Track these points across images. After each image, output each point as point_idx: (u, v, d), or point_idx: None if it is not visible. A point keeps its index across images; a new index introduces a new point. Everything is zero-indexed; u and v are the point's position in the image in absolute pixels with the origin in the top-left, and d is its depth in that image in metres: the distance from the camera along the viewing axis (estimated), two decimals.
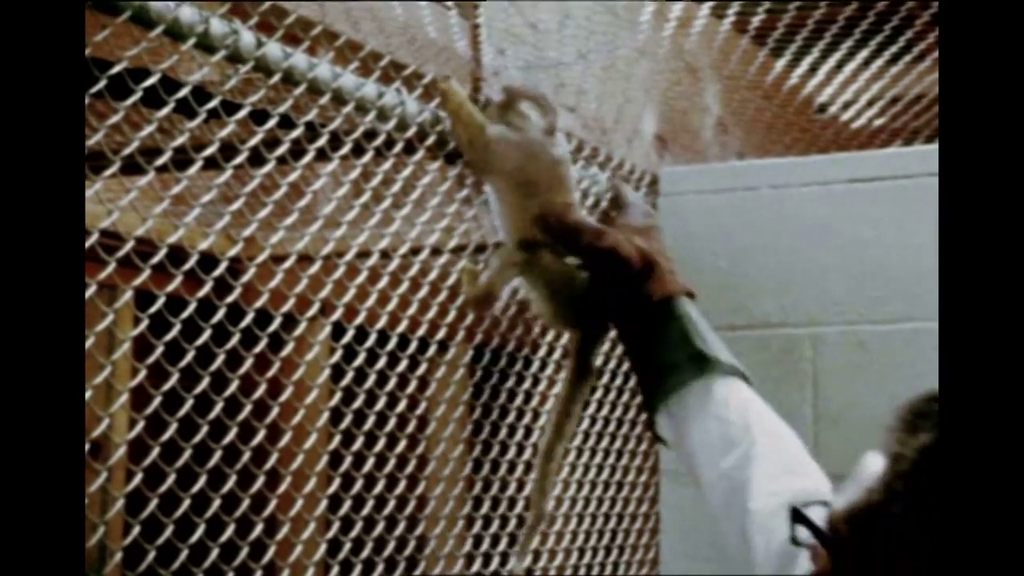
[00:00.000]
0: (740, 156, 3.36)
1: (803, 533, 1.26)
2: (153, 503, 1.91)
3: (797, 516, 1.26)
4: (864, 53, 3.91)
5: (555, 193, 1.70)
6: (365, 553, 2.36)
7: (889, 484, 1.16)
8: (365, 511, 2.36)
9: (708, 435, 1.57)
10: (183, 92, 1.94)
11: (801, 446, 1.59)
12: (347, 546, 2.31)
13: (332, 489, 2.32)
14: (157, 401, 1.94)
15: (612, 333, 1.85)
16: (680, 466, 1.72)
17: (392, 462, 2.41)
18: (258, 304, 2.16)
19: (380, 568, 2.38)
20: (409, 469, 2.47)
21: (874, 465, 1.19)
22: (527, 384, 2.87)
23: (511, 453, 2.81)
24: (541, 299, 1.74)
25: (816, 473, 1.55)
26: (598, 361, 1.95)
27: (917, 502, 1.14)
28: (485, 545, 2.69)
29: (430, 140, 2.27)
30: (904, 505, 1.14)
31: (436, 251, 2.55)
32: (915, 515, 1.14)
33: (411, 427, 2.49)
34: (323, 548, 2.34)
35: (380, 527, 2.40)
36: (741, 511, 1.51)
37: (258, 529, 2.11)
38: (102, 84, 1.84)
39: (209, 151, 2.03)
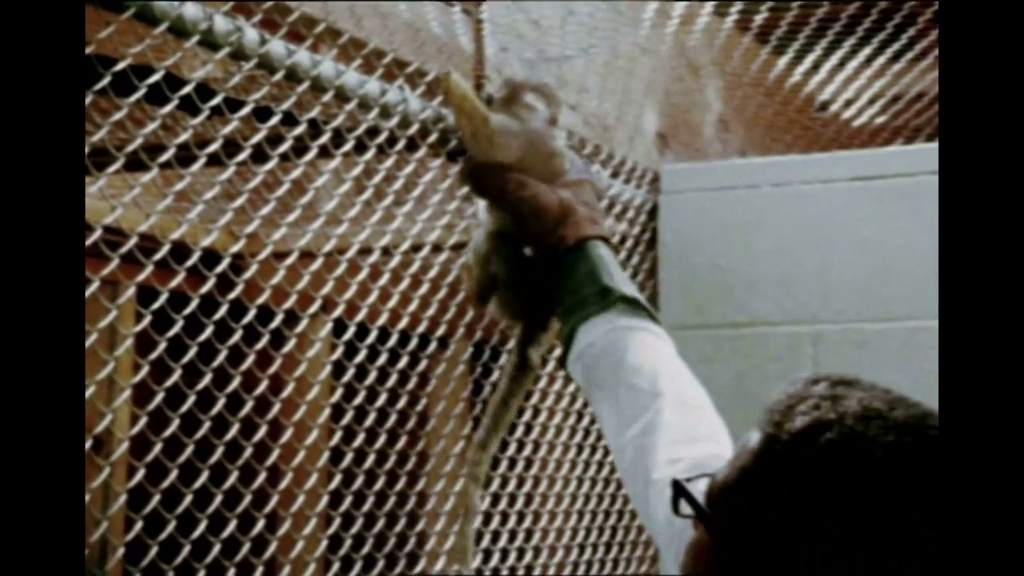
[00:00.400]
0: (742, 154, 3.38)
1: (684, 506, 1.26)
2: (155, 499, 1.92)
3: (678, 489, 1.25)
4: (866, 51, 3.92)
5: (553, 168, 1.73)
6: (366, 549, 2.37)
7: (762, 461, 1.17)
8: (366, 507, 2.37)
9: (619, 404, 1.60)
10: (186, 89, 1.95)
11: (708, 407, 1.61)
12: (348, 542, 2.31)
13: (333, 485, 2.33)
14: (159, 397, 1.95)
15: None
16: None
17: (393, 458, 2.42)
18: (260, 301, 2.16)
19: (380, 564, 2.39)
20: (409, 466, 2.48)
21: (751, 442, 1.20)
22: None
23: (511, 450, 2.82)
24: (494, 289, 1.77)
25: (720, 437, 1.57)
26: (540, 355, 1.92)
27: (786, 481, 1.14)
28: (485, 541, 2.69)
29: (432, 137, 2.28)
30: (774, 482, 1.15)
31: (437, 248, 2.57)
32: (783, 492, 1.15)
33: (411, 423, 2.50)
34: (324, 544, 2.35)
35: (381, 523, 2.41)
36: (644, 480, 1.53)
37: (259, 525, 2.12)
38: (106, 81, 1.84)
39: (212, 148, 2.03)
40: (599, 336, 1.64)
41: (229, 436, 2.07)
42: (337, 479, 2.35)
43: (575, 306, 1.67)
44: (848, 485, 1.13)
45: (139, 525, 1.90)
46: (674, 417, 1.56)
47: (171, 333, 1.98)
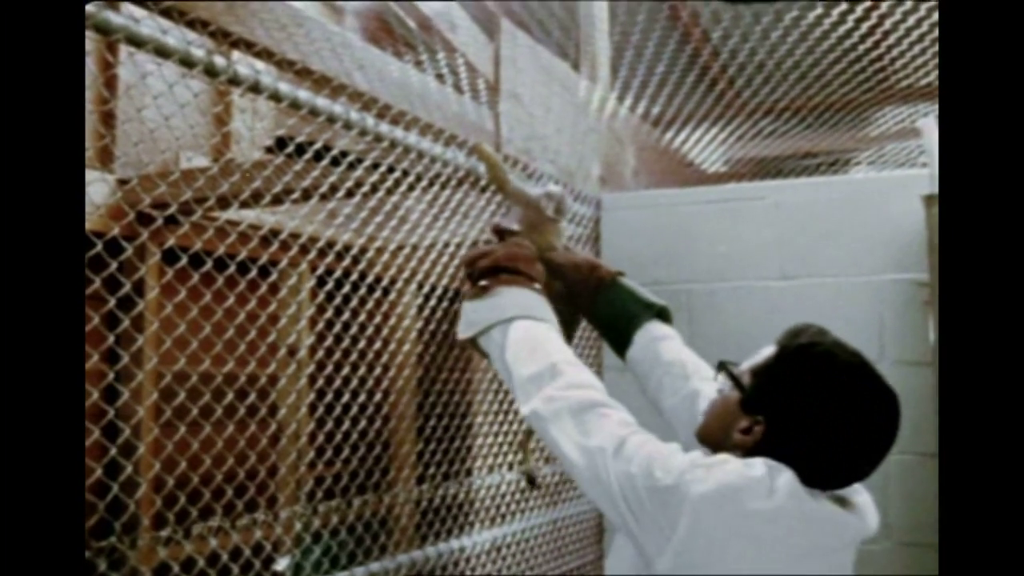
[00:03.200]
0: (646, 187, 3.39)
1: (723, 381, 1.25)
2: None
3: (722, 366, 1.26)
4: (719, 134, 4.00)
5: (548, 234, 1.48)
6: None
7: (780, 359, 1.21)
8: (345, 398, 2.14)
9: (664, 381, 1.46)
10: (331, 153, 1.97)
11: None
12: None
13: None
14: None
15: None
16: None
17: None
18: (384, 280, 2.16)
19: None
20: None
21: (766, 351, 1.24)
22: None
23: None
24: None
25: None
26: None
27: (795, 370, 1.18)
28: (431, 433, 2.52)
29: (470, 179, 2.26)
30: (787, 371, 1.19)
31: (475, 243, 2.45)
32: (793, 377, 1.18)
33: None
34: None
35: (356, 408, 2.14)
36: (690, 411, 1.41)
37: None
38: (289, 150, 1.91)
39: (345, 187, 2.06)
40: (641, 346, 1.48)
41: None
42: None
43: (631, 317, 1.49)
44: (830, 375, 1.17)
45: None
46: (703, 385, 1.41)
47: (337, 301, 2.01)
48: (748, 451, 1.18)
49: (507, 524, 2.49)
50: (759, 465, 1.11)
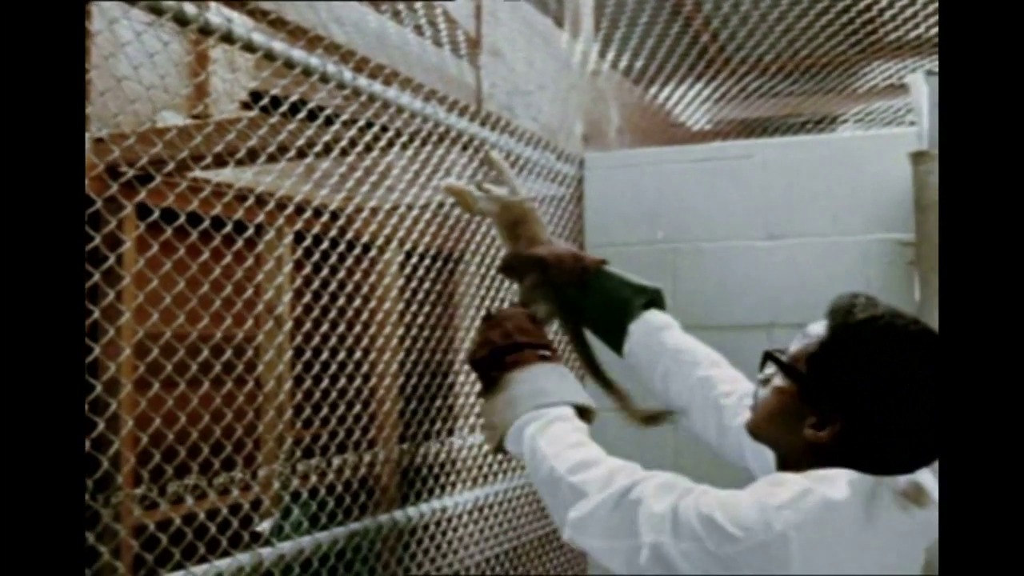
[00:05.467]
0: (630, 146, 3.38)
1: (770, 370, 1.19)
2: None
3: (768, 355, 1.20)
4: (705, 90, 3.98)
5: (531, 225, 1.47)
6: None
7: (836, 338, 1.13)
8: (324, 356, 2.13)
9: (671, 369, 1.40)
10: (307, 107, 1.92)
11: (722, 359, 1.44)
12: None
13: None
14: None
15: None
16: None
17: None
18: (364, 239, 2.11)
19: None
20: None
21: (816, 329, 1.16)
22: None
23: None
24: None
25: (739, 374, 1.42)
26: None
27: (856, 349, 1.11)
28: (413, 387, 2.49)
29: (451, 136, 2.21)
30: (850, 351, 1.11)
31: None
32: (859, 359, 1.10)
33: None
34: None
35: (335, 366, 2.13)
36: (715, 405, 1.37)
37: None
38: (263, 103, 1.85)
39: (319, 146, 2.01)
40: (640, 337, 1.42)
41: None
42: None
43: (624, 303, 1.43)
44: (899, 350, 1.10)
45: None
46: (714, 371, 1.39)
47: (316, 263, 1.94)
48: (823, 447, 1.12)
49: (489, 484, 2.49)
50: (838, 484, 1.05)
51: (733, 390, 1.37)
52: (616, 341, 1.45)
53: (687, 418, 1.40)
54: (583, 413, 1.24)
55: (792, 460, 1.16)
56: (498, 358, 1.28)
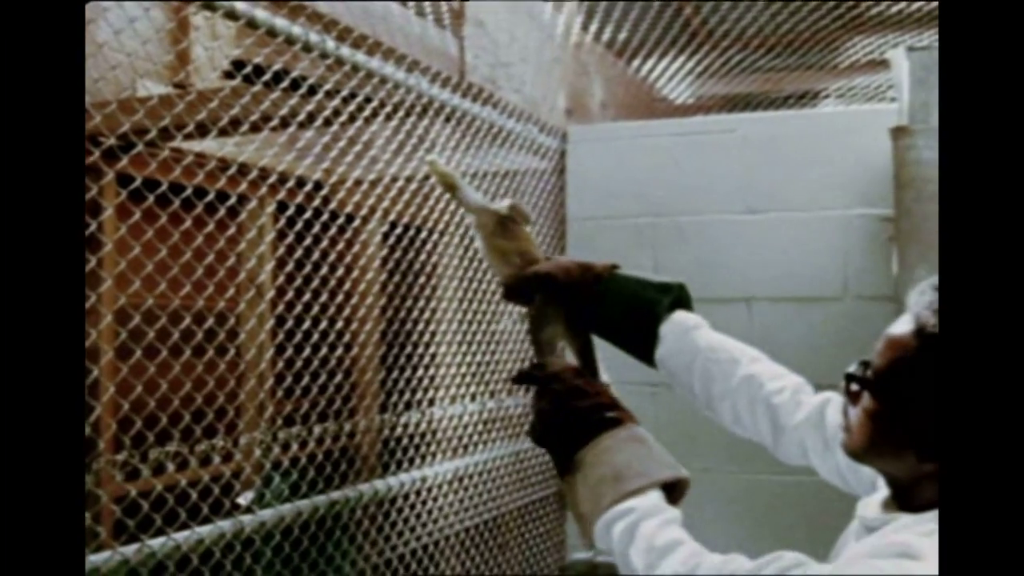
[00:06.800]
0: (614, 120, 3.38)
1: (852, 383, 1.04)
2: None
3: (850, 376, 1.04)
4: (688, 64, 3.98)
5: (520, 239, 1.29)
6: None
7: (923, 347, 0.97)
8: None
9: (710, 370, 1.27)
10: (290, 77, 1.92)
11: (761, 355, 1.30)
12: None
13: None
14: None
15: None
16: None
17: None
18: (347, 210, 2.11)
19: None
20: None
21: (898, 328, 1.01)
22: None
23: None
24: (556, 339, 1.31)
25: (782, 368, 1.29)
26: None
27: (939, 361, 0.93)
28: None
29: (434, 108, 2.23)
30: (930, 361, 0.95)
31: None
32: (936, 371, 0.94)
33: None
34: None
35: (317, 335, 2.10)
36: (765, 403, 1.25)
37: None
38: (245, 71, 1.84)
39: (301, 116, 1.99)
40: (673, 341, 1.28)
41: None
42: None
43: (645, 309, 1.29)
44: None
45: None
46: (757, 367, 1.26)
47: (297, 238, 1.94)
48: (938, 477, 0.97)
49: (469, 455, 2.48)
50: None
51: (783, 386, 1.25)
52: (644, 349, 1.31)
53: (740, 426, 1.28)
54: (671, 486, 1.09)
55: (907, 492, 1.02)
56: (564, 438, 1.13)
